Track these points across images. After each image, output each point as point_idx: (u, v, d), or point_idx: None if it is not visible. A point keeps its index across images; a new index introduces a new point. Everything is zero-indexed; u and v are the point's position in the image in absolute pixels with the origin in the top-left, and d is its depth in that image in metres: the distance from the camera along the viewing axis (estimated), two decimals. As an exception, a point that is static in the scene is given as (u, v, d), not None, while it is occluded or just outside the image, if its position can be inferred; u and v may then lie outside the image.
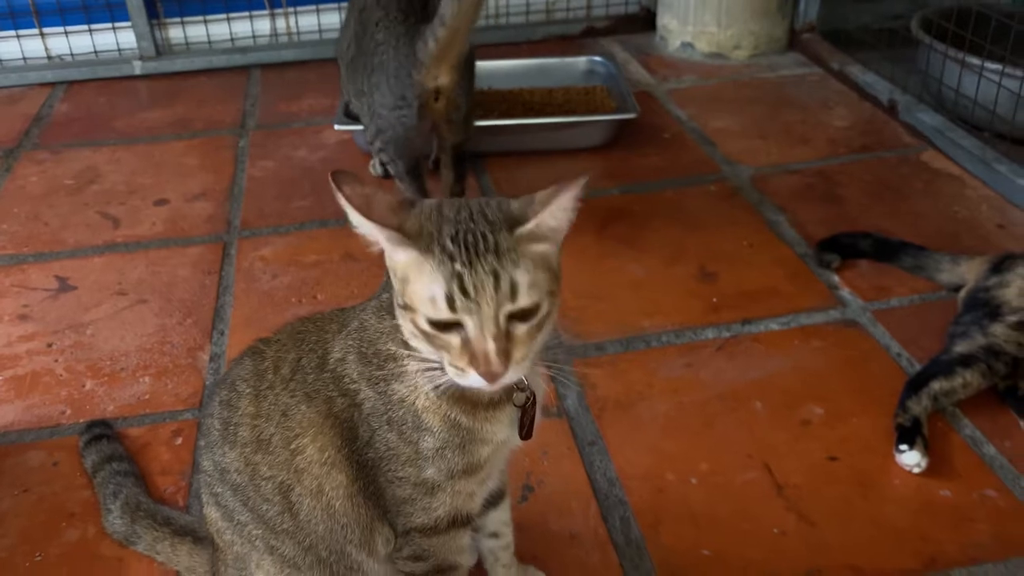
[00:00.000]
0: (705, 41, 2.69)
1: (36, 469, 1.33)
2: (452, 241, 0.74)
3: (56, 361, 1.55)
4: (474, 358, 0.75)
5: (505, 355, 0.75)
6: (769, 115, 2.36)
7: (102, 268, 1.80)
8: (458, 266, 0.73)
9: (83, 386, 1.49)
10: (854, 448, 1.33)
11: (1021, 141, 2.04)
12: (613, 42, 2.83)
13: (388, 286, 0.87)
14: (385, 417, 0.85)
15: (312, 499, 0.88)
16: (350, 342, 0.87)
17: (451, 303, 0.74)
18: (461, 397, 0.83)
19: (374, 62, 1.73)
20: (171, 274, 1.77)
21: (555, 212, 0.76)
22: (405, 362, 0.83)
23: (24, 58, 2.67)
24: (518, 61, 2.48)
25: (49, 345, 1.59)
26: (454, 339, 0.76)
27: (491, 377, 0.75)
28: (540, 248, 0.77)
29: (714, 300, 1.65)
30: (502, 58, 2.49)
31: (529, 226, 0.75)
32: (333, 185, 0.75)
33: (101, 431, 1.36)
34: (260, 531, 0.91)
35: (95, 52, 2.69)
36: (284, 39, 2.78)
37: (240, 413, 0.90)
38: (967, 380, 1.35)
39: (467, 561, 0.97)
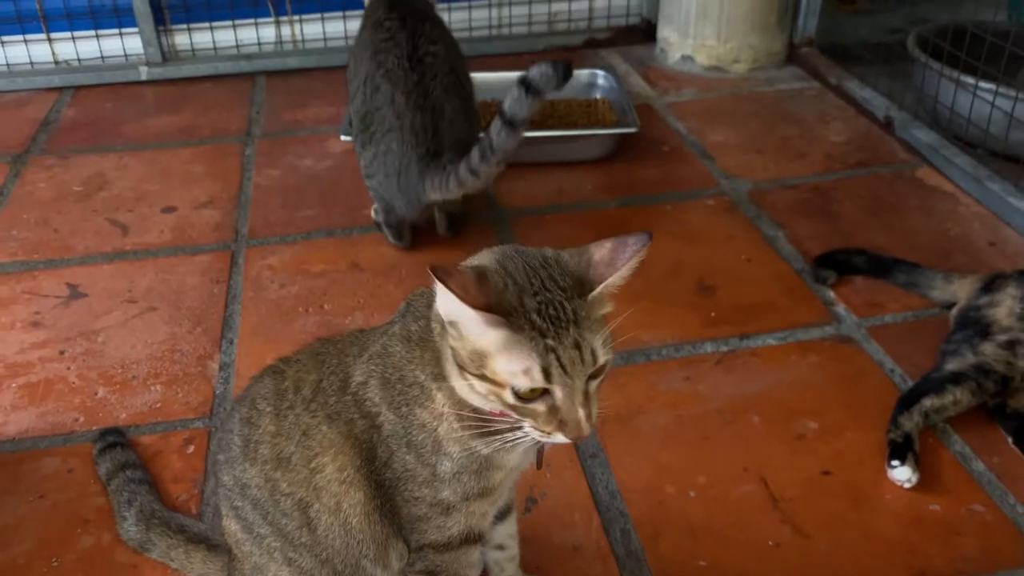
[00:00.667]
0: (705, 54, 2.73)
1: (51, 476, 1.37)
2: (539, 315, 0.77)
3: (69, 368, 1.58)
4: (564, 424, 0.79)
5: (591, 418, 0.80)
6: (767, 129, 2.40)
7: (112, 275, 1.83)
8: (550, 341, 0.77)
9: (95, 394, 1.53)
10: (847, 462, 1.37)
11: (1014, 159, 2.09)
12: (614, 53, 2.87)
13: (410, 313, 0.91)
14: (405, 440, 0.88)
15: (330, 515, 0.91)
16: (372, 367, 0.90)
17: (548, 376, 0.77)
18: (483, 431, 0.86)
19: (373, 127, 1.76)
20: (180, 282, 1.80)
21: (624, 274, 0.80)
22: (434, 393, 0.86)
23: (31, 62, 2.70)
24: (519, 73, 2.50)
25: (61, 352, 1.62)
26: (540, 407, 0.79)
27: (580, 439, 0.80)
28: (604, 310, 0.82)
29: (712, 314, 1.69)
30: (504, 69, 2.52)
31: (598, 292, 0.79)
32: (439, 283, 0.75)
33: (115, 439, 1.39)
34: (279, 544, 0.95)
35: (102, 57, 2.72)
36: (289, 46, 2.81)
37: (261, 431, 0.94)
38: (957, 398, 1.39)
39: (476, 575, 1.01)
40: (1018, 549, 1.23)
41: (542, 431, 0.80)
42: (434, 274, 0.75)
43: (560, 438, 0.80)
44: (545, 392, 0.79)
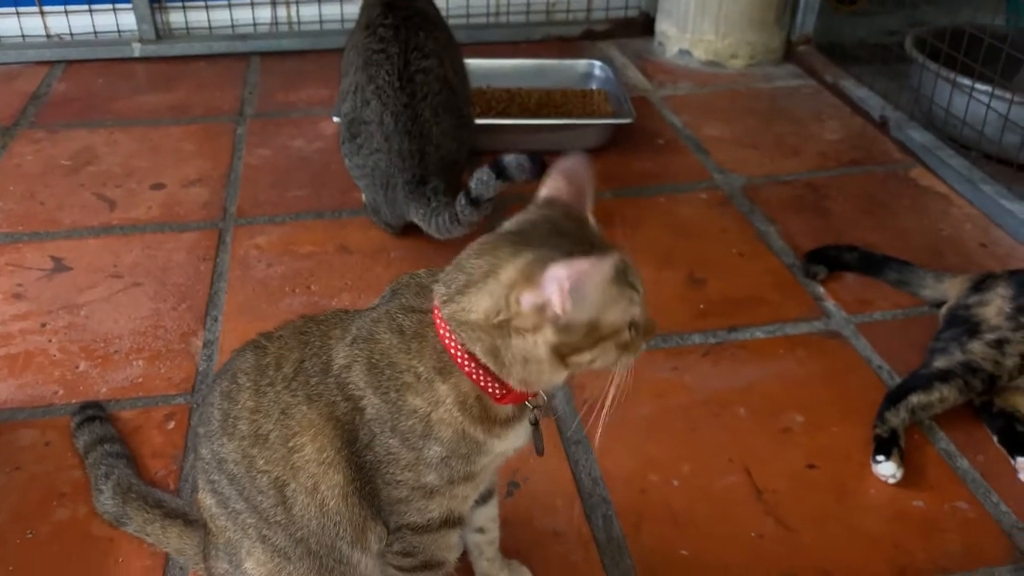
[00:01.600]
0: (702, 49, 2.72)
1: (28, 448, 1.35)
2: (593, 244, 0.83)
3: (50, 341, 1.56)
4: (646, 330, 0.85)
5: None
6: (762, 125, 2.39)
7: (97, 250, 1.81)
8: (618, 263, 0.80)
9: (76, 367, 1.51)
10: (833, 457, 1.36)
11: (1007, 162, 2.09)
12: (611, 45, 2.86)
13: (397, 301, 0.90)
14: (389, 424, 0.87)
15: (306, 496, 0.90)
16: (357, 351, 0.88)
17: (637, 293, 0.82)
18: (483, 416, 0.86)
19: (361, 139, 1.76)
20: (166, 259, 1.79)
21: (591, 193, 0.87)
22: (436, 385, 0.85)
23: (23, 35, 2.66)
24: (517, 61, 2.50)
25: (43, 325, 1.60)
26: (632, 332, 0.83)
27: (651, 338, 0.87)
28: None
29: (702, 306, 1.68)
30: (501, 57, 2.51)
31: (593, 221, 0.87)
32: (599, 264, 0.77)
33: (93, 412, 1.37)
34: (253, 520, 0.93)
35: (95, 32, 2.69)
36: (284, 28, 2.79)
37: (240, 406, 0.92)
38: (944, 395, 1.38)
39: (454, 557, 1.00)
40: (1000, 547, 1.22)
41: (633, 351, 0.84)
42: (601, 256, 0.76)
43: (637, 351, 0.85)
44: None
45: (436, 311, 0.85)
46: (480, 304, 0.80)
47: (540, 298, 0.77)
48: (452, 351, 0.84)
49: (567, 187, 0.85)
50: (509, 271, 0.79)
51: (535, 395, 0.88)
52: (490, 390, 0.84)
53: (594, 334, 0.80)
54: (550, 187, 0.86)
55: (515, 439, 0.91)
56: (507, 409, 0.88)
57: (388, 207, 1.77)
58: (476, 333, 0.82)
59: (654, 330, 0.86)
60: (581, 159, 0.86)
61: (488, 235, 0.85)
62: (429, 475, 0.88)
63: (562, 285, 0.75)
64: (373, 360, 0.87)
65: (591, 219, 0.85)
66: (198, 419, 1.00)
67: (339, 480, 0.90)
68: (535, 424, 0.92)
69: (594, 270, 0.76)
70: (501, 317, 0.79)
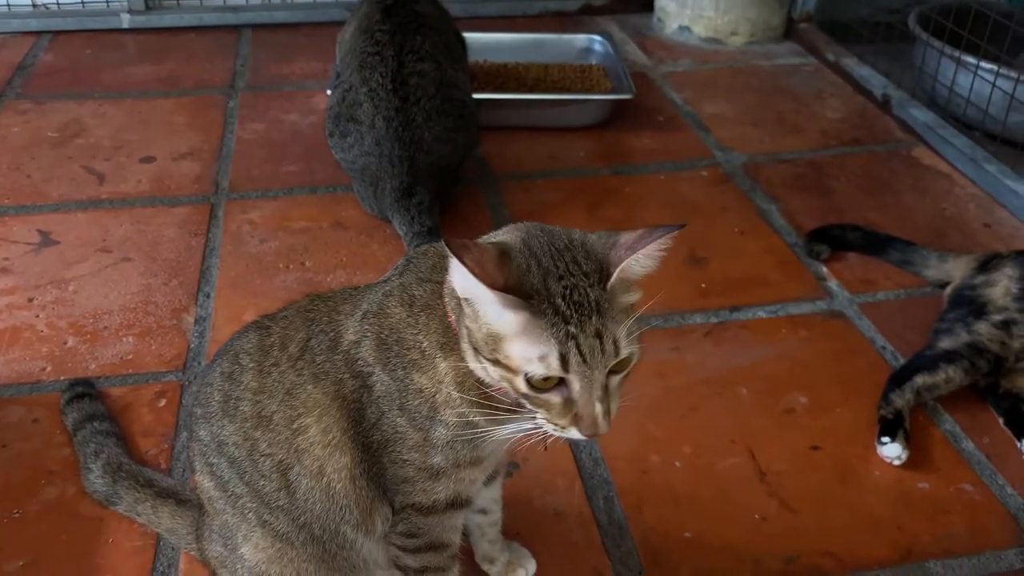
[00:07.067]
0: (702, 25, 2.68)
1: (15, 425, 1.32)
2: (563, 300, 0.72)
3: (37, 317, 1.52)
4: (579, 419, 0.74)
5: (608, 415, 0.75)
6: (763, 103, 2.36)
7: (86, 224, 1.77)
8: (572, 328, 0.72)
9: (65, 343, 1.47)
10: (836, 438, 1.34)
11: (1011, 142, 2.06)
12: (610, 21, 2.81)
13: (411, 272, 0.86)
14: (397, 403, 0.84)
15: (311, 480, 0.87)
16: (367, 326, 0.85)
17: (565, 364, 0.72)
18: (482, 401, 0.82)
19: (351, 138, 1.73)
20: (157, 233, 1.75)
21: (641, 259, 0.75)
22: (437, 362, 0.82)
23: (8, 5, 2.59)
24: (514, 35, 2.46)
25: (30, 300, 1.56)
26: (555, 398, 0.75)
27: (594, 437, 0.75)
28: (630, 299, 0.76)
29: (703, 286, 1.66)
30: (498, 31, 2.47)
31: (614, 279, 0.74)
32: (455, 258, 0.71)
33: (83, 389, 1.34)
34: (254, 505, 0.90)
35: (82, 3, 2.62)
36: (277, 0, 2.73)
37: (242, 387, 0.89)
38: (950, 376, 1.36)
39: (459, 539, 0.97)
40: (1006, 529, 1.21)
41: (555, 424, 0.76)
42: (448, 248, 0.70)
43: (574, 433, 0.75)
44: (561, 383, 0.74)
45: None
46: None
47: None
48: (454, 325, 0.81)
49: (632, 239, 0.76)
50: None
51: None
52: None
53: (494, 350, 0.75)
54: (628, 232, 0.77)
55: (518, 427, 0.88)
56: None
57: (375, 203, 1.75)
58: (453, 303, 0.80)
59: (591, 430, 0.74)
60: (670, 229, 0.75)
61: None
62: (435, 456, 0.85)
63: (455, 262, 0.71)
64: (382, 336, 0.84)
65: (613, 278, 0.74)
66: (195, 400, 0.96)
67: (346, 462, 0.87)
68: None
69: (472, 272, 0.70)
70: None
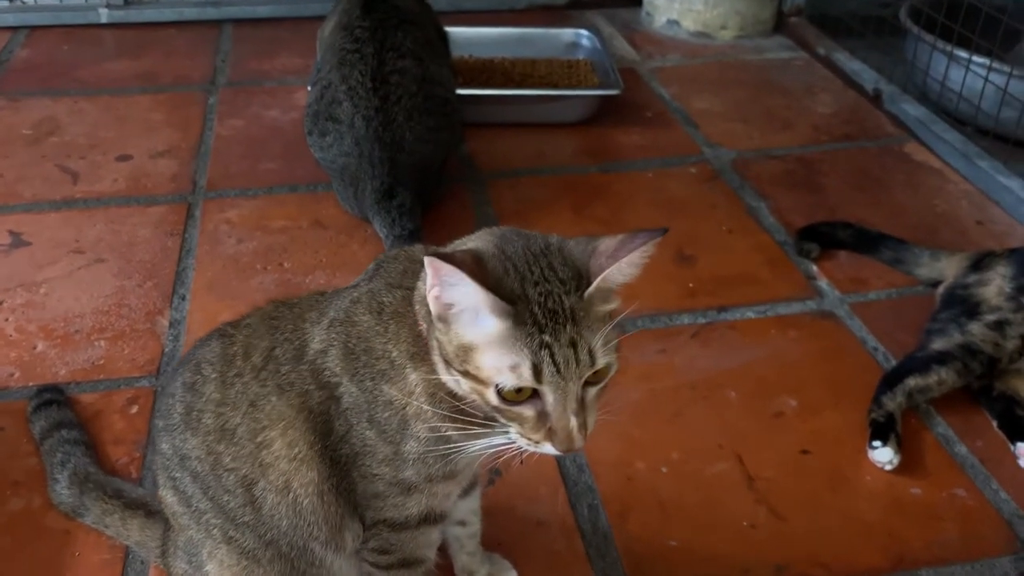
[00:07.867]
0: (691, 19, 2.64)
1: (-20, 433, 1.27)
2: (539, 307, 0.69)
3: (6, 320, 1.48)
4: (553, 433, 0.71)
5: (584, 428, 0.71)
6: (752, 98, 2.32)
7: (59, 224, 1.72)
8: (547, 337, 0.69)
9: (34, 347, 1.43)
10: (827, 442, 1.31)
11: (1004, 138, 2.03)
12: (597, 15, 2.77)
13: (380, 278, 0.82)
14: (366, 415, 0.80)
15: (277, 495, 0.83)
16: (334, 335, 0.82)
17: (538, 375, 0.69)
18: (455, 414, 0.78)
19: (329, 138, 1.68)
20: (131, 234, 1.70)
21: (624, 267, 0.71)
22: (407, 373, 0.78)
23: (-17, -1, 2.55)
24: (500, 29, 2.42)
25: (-1, 303, 1.52)
26: (527, 411, 0.71)
27: (570, 451, 0.72)
28: (608, 307, 0.73)
29: (691, 285, 1.62)
30: (483, 25, 2.42)
31: (593, 288, 0.71)
32: (441, 265, 0.67)
33: (51, 396, 1.30)
34: (219, 521, 0.86)
35: (59, -3, 2.57)
36: (259, -6, 2.68)
37: (204, 399, 0.85)
38: (943, 378, 1.33)
39: (434, 554, 0.93)
40: (1000, 536, 1.18)
41: (529, 439, 0.72)
42: (436, 258, 0.66)
43: (548, 448, 0.72)
44: (534, 395, 0.71)
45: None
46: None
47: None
48: (425, 334, 0.77)
49: (612, 246, 0.73)
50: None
51: None
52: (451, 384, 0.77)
53: (464, 361, 0.72)
54: (606, 237, 0.75)
55: (489, 442, 0.83)
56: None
57: (356, 203, 1.71)
58: (424, 310, 0.76)
59: (565, 445, 0.71)
60: (652, 235, 0.72)
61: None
62: (407, 471, 0.81)
63: (438, 268, 0.68)
64: (349, 345, 0.81)
65: (592, 287, 0.72)
66: (158, 412, 0.92)
67: (313, 477, 0.83)
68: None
69: (467, 273, 0.67)
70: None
